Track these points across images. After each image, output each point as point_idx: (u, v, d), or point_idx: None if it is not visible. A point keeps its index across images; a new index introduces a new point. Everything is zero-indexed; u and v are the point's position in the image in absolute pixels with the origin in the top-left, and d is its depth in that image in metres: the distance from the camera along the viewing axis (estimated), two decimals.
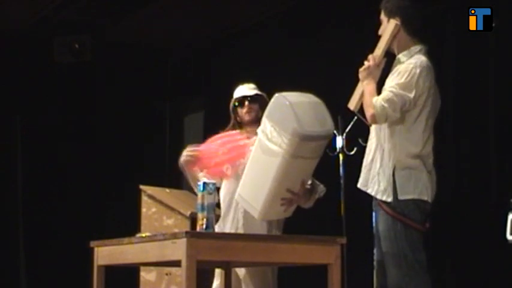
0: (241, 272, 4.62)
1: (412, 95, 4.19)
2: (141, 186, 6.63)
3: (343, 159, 6.13)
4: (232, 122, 4.86)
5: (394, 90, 4.19)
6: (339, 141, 6.14)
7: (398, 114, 4.20)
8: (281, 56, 7.14)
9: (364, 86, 4.33)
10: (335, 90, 6.37)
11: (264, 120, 4.27)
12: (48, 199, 8.01)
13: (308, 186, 4.51)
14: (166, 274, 6.38)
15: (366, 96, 4.29)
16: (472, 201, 5.79)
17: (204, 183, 3.85)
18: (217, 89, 8.06)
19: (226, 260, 4.20)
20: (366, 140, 5.86)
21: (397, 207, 4.23)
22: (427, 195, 4.24)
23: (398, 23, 4.31)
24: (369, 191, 4.38)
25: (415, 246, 4.19)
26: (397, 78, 4.24)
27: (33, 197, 8.05)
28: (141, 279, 6.52)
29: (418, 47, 4.32)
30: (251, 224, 4.56)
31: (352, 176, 6.11)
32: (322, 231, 4.05)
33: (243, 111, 4.78)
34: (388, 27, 4.32)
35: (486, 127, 5.79)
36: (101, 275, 4.15)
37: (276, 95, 4.25)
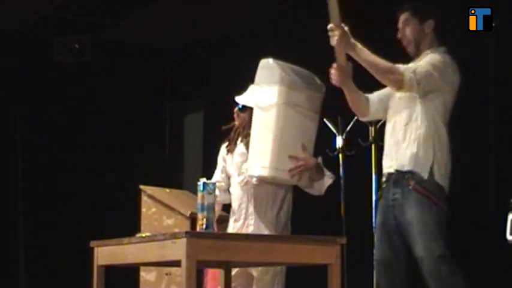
0: (256, 270, 4.63)
1: (438, 76, 4.23)
2: (141, 186, 6.63)
3: (343, 160, 6.13)
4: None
5: (422, 65, 4.23)
6: (339, 142, 6.14)
7: (421, 90, 4.22)
8: (281, 56, 7.13)
9: (359, 52, 4.28)
10: (335, 90, 6.38)
11: (256, 88, 4.47)
12: (48, 199, 8.01)
13: (314, 159, 4.50)
14: (166, 274, 6.38)
15: (374, 60, 4.25)
16: (472, 201, 5.78)
17: (204, 183, 3.85)
18: (217, 89, 8.07)
19: (226, 260, 4.20)
20: (365, 140, 5.88)
21: (435, 192, 4.22)
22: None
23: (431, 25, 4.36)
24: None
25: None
26: (425, 60, 4.29)
27: (33, 197, 8.05)
28: (141, 279, 6.52)
29: (442, 48, 4.40)
30: (262, 230, 4.58)
31: (352, 176, 6.14)
32: (322, 231, 4.04)
33: (234, 114, 4.85)
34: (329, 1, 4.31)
35: (486, 127, 5.79)
36: (101, 275, 4.14)
37: (259, 63, 4.47)
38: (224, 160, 4.86)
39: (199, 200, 3.84)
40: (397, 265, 4.37)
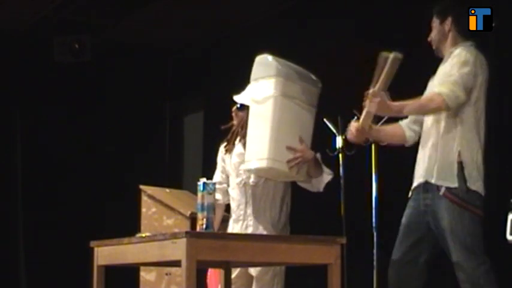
0: (255, 270, 4.63)
1: (472, 71, 4.22)
2: (141, 186, 6.63)
3: (343, 160, 6.13)
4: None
5: (452, 72, 4.22)
6: (339, 142, 6.14)
7: (466, 93, 4.21)
8: (281, 56, 7.13)
9: (396, 112, 4.32)
10: (335, 91, 6.38)
11: (252, 83, 4.49)
12: (48, 199, 8.01)
13: (312, 152, 4.51)
14: (166, 274, 6.38)
15: (411, 107, 4.27)
16: None
17: (204, 183, 3.85)
18: (217, 89, 8.06)
19: (226, 260, 4.20)
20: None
21: (465, 197, 4.21)
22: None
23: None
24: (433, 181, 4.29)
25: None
26: (451, 63, 4.28)
27: (33, 197, 8.05)
28: (141, 279, 6.52)
29: (468, 42, 4.40)
30: (261, 231, 4.58)
31: (352, 176, 6.13)
32: (322, 231, 4.04)
33: (232, 114, 4.85)
34: (389, 62, 4.25)
35: (486, 127, 5.78)
36: (101, 275, 4.14)
37: (255, 59, 4.52)
38: (223, 160, 4.85)
39: (199, 200, 3.84)
40: (412, 267, 4.36)
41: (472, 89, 4.26)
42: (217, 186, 4.55)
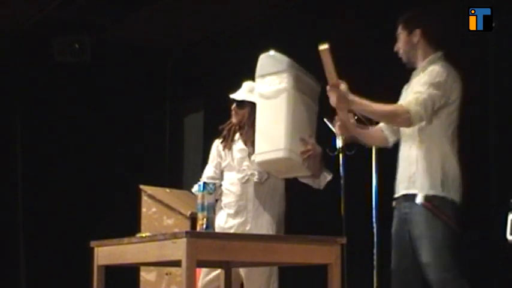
0: (246, 271, 4.64)
1: (441, 93, 4.22)
2: (141, 186, 6.63)
3: (343, 159, 6.12)
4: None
5: (422, 90, 4.21)
6: (339, 142, 6.14)
7: (430, 114, 4.23)
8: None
9: (359, 107, 4.31)
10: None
11: (258, 80, 4.56)
12: (48, 199, 8.01)
13: (320, 147, 4.61)
14: (166, 274, 6.38)
15: (375, 109, 4.27)
16: (472, 201, 5.78)
17: (204, 183, 3.85)
18: (217, 89, 8.06)
19: (226, 260, 4.20)
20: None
21: (440, 205, 4.22)
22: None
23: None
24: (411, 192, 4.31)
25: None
26: (422, 80, 4.27)
27: (33, 196, 8.05)
28: (141, 279, 6.53)
29: (438, 54, 4.37)
30: (259, 229, 4.59)
31: (352, 176, 6.13)
32: (322, 231, 4.05)
33: (231, 112, 4.85)
34: (322, 57, 4.26)
35: (486, 127, 5.79)
36: (101, 275, 4.15)
37: (260, 56, 4.61)
38: (220, 156, 4.87)
39: (199, 200, 3.85)
40: (411, 275, 4.37)
41: (443, 108, 4.27)
42: (209, 180, 4.64)
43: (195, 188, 4.80)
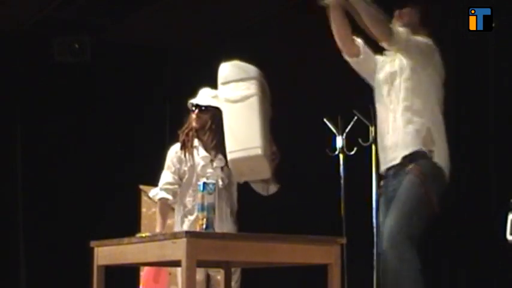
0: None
1: (428, 50, 4.28)
2: (141, 186, 6.64)
3: (343, 159, 6.13)
4: (187, 123, 5.05)
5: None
6: (339, 141, 6.14)
7: (408, 48, 4.25)
8: (281, 56, 7.14)
9: (354, 3, 4.31)
10: (335, 90, 6.38)
11: (222, 87, 4.77)
12: (48, 199, 8.01)
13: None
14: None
15: (370, 9, 4.27)
16: (472, 201, 5.79)
17: (204, 183, 3.86)
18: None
19: (226, 260, 4.20)
20: (366, 140, 5.89)
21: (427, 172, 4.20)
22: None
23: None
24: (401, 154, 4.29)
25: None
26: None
27: (33, 196, 8.04)
28: (141, 279, 6.52)
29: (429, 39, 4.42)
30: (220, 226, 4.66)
31: (352, 176, 6.13)
32: (322, 231, 4.05)
33: (192, 117, 4.97)
34: None
35: (486, 127, 5.79)
36: (101, 275, 4.15)
37: (222, 65, 4.91)
38: (180, 162, 4.93)
39: (199, 200, 3.85)
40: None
41: (427, 61, 4.30)
42: (169, 186, 4.71)
43: (153, 193, 4.90)
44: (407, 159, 4.24)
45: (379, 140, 4.44)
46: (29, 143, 8.14)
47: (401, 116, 4.28)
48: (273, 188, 4.79)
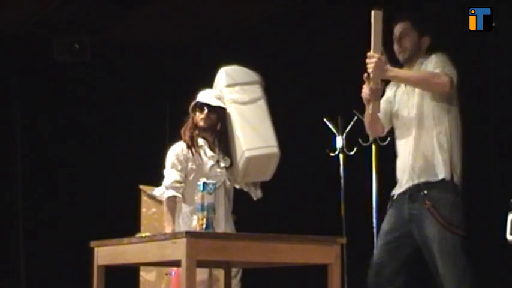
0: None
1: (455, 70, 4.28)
2: (141, 186, 6.63)
3: (343, 159, 6.13)
4: (190, 122, 5.05)
5: (440, 65, 4.28)
6: (339, 142, 6.14)
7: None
8: (281, 56, 7.14)
9: (396, 76, 4.32)
10: (335, 90, 6.38)
11: (226, 89, 4.92)
12: (47, 199, 8.01)
13: None
14: (166, 274, 6.38)
15: (412, 76, 4.31)
16: (472, 202, 5.78)
17: (204, 183, 3.86)
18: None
19: (226, 260, 4.20)
20: (366, 140, 5.89)
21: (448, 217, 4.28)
22: None
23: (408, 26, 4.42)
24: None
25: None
26: (433, 62, 4.33)
27: (33, 196, 8.04)
28: (141, 279, 6.53)
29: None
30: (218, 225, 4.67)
31: (352, 176, 6.13)
32: (322, 231, 4.05)
33: (200, 117, 5.01)
34: (373, 22, 4.25)
35: (486, 127, 5.79)
36: (101, 275, 4.15)
37: (224, 68, 5.12)
38: (187, 161, 4.96)
39: (199, 200, 3.85)
40: (388, 271, 4.37)
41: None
42: (177, 184, 4.74)
43: (159, 191, 4.91)
44: (425, 189, 4.28)
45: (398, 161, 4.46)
46: (29, 142, 8.13)
47: (423, 139, 4.33)
48: (259, 193, 4.95)
